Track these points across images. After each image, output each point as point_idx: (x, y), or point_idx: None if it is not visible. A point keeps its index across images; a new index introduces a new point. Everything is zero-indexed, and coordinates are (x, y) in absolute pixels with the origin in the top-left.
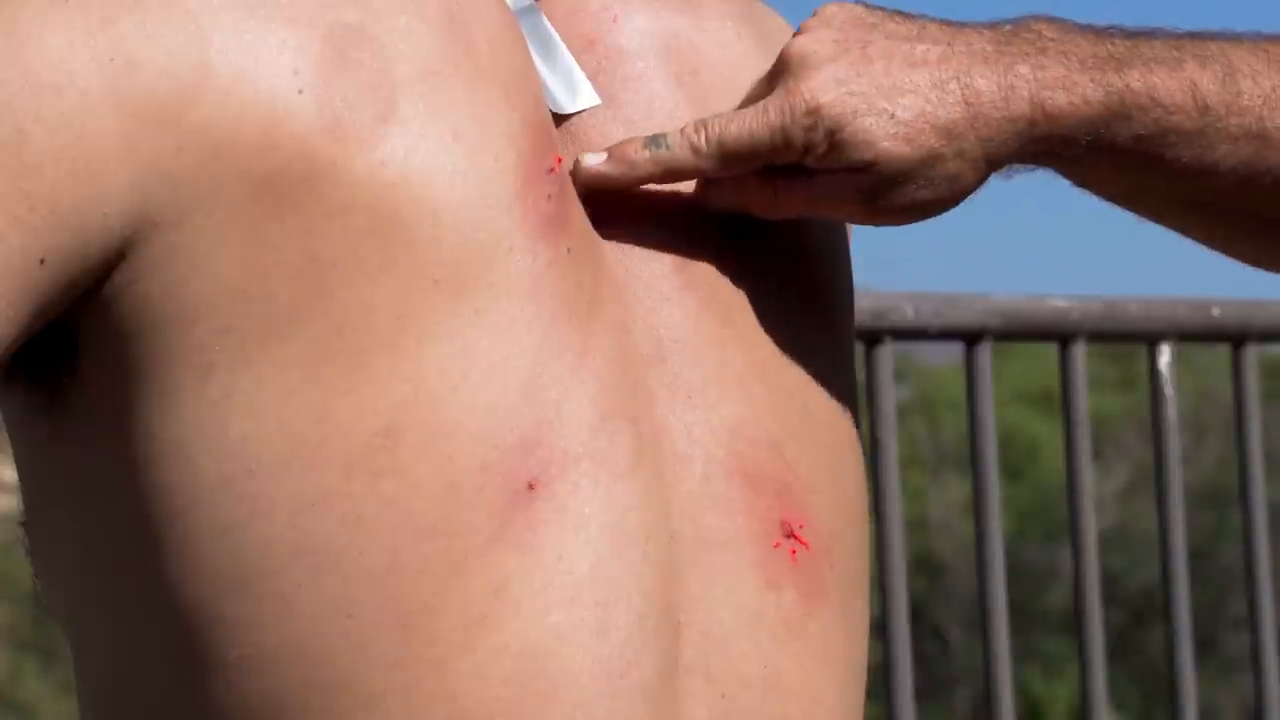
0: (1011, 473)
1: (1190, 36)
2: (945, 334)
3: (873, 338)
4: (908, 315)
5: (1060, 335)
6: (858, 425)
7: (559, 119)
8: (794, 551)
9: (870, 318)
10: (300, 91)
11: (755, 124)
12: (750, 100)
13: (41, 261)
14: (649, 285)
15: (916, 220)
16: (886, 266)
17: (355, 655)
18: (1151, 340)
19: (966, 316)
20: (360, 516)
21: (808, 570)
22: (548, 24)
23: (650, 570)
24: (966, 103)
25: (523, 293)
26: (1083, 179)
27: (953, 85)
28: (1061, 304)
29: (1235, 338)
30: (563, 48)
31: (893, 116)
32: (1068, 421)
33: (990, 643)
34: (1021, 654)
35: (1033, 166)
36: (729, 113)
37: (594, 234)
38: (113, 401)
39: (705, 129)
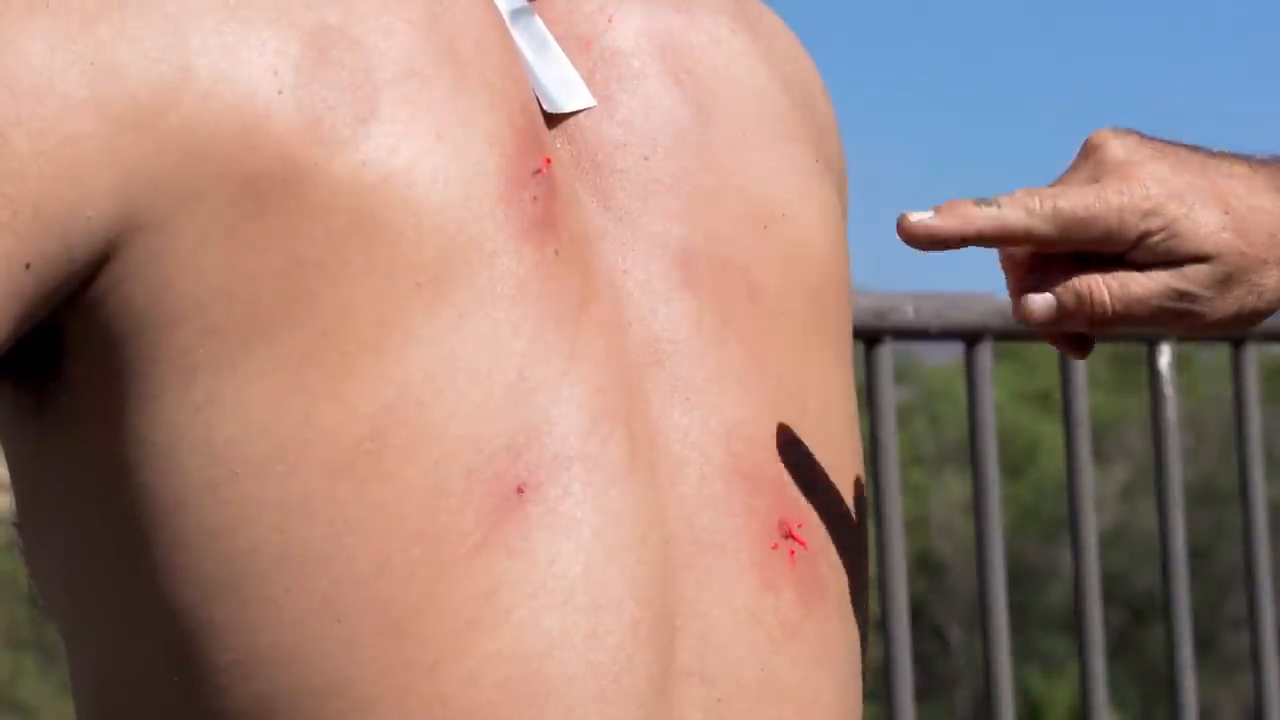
0: (1012, 471)
1: None
2: (945, 334)
3: (873, 338)
4: (908, 315)
5: None
6: (856, 424)
7: (554, 120)
8: (792, 552)
9: (870, 318)
10: (280, 92)
11: (1094, 199)
12: (1064, 183)
13: (27, 266)
14: (646, 286)
15: (1240, 331)
16: (886, 266)
17: (345, 660)
18: (1151, 340)
19: (966, 316)
20: (347, 520)
21: (806, 571)
22: (542, 25)
23: (645, 574)
24: None
25: (508, 296)
26: None
27: (1268, 196)
28: None
29: (1235, 338)
30: (557, 49)
31: (1226, 213)
32: (1068, 421)
33: (990, 642)
34: (1021, 654)
35: None
36: (1060, 187)
37: (588, 235)
38: (100, 404)
39: (1039, 195)
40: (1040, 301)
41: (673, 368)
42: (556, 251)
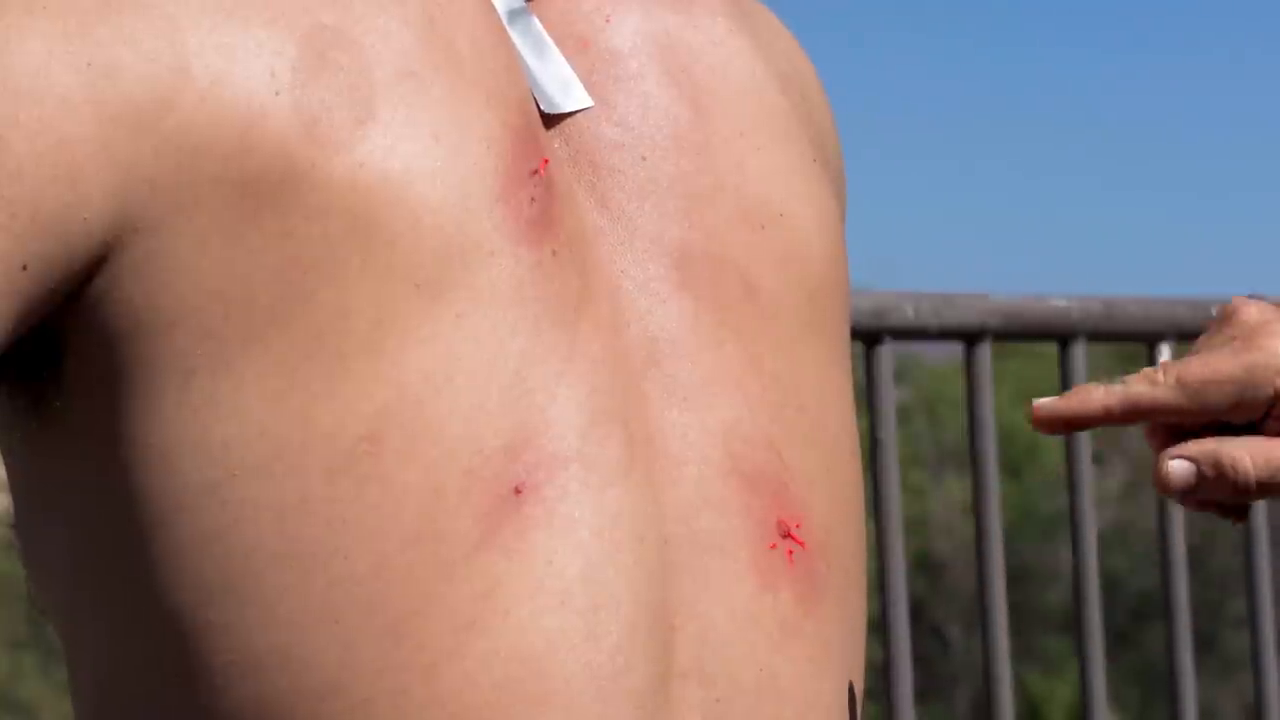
0: (1011, 471)
1: None
2: (945, 334)
3: (873, 338)
4: (908, 315)
5: (1060, 335)
6: (854, 422)
7: (551, 120)
8: (790, 552)
9: (870, 318)
10: (277, 93)
11: (1222, 360)
12: (1198, 350)
13: (24, 267)
14: (644, 286)
15: None
16: (886, 266)
17: (343, 661)
18: (1151, 340)
19: (966, 316)
20: (345, 521)
21: (804, 570)
22: (539, 25)
23: (643, 574)
24: None
25: (505, 296)
26: None
27: None
28: (1061, 304)
29: None
30: (555, 49)
31: None
32: None
33: (990, 642)
34: (1021, 654)
35: None
36: (1188, 356)
37: (585, 235)
38: (97, 406)
39: (1164, 367)
40: (1179, 468)
41: (670, 368)
42: (554, 252)
